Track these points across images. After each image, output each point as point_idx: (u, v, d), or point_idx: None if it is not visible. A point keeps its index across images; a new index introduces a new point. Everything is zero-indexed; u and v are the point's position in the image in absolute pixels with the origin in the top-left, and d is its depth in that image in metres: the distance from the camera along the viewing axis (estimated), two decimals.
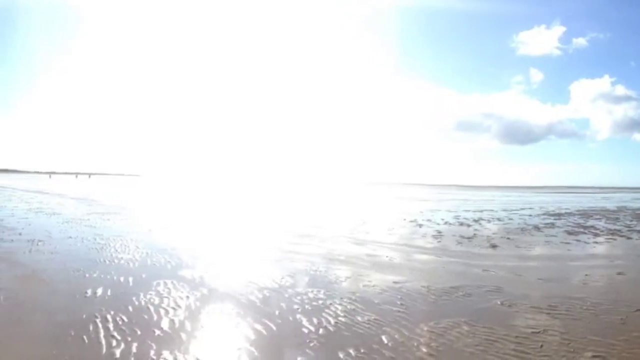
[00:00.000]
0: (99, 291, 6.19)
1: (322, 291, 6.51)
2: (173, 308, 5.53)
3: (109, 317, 5.13)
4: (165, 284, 6.67)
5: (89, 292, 6.15)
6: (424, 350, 4.42)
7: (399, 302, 6.02)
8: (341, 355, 4.26)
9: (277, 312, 5.48)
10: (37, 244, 9.82)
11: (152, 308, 5.50)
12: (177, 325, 4.95)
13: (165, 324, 4.98)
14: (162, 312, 5.37)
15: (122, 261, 8.26)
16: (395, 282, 7.15)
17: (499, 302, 6.15)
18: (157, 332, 4.74)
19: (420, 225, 16.01)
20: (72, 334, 4.60)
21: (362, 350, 4.37)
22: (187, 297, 6.03)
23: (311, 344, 4.51)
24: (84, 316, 5.13)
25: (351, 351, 4.35)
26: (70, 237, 10.98)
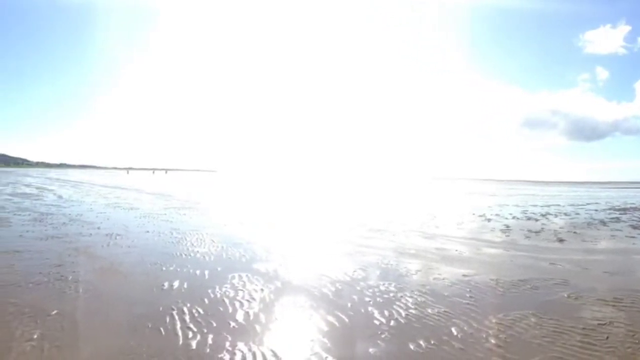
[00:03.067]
0: (176, 284, 6.45)
1: (393, 284, 6.62)
2: (248, 300, 5.72)
3: (185, 309, 5.35)
4: (240, 277, 6.89)
5: (166, 284, 6.41)
6: (493, 341, 4.48)
7: (468, 295, 6.08)
8: (412, 347, 4.37)
9: (349, 305, 5.62)
10: (115, 238, 10.23)
11: (227, 301, 5.71)
12: (251, 317, 5.14)
13: (240, 316, 5.17)
14: (237, 304, 5.57)
15: (198, 255, 8.54)
16: (464, 275, 7.20)
17: (565, 295, 6.14)
18: (232, 324, 4.92)
19: (489, 220, 15.92)
20: (150, 325, 4.80)
21: (432, 342, 4.47)
22: (262, 289, 6.23)
23: (382, 336, 4.64)
24: (161, 308, 5.36)
25: (421, 342, 4.46)
26: (147, 231, 11.42)
